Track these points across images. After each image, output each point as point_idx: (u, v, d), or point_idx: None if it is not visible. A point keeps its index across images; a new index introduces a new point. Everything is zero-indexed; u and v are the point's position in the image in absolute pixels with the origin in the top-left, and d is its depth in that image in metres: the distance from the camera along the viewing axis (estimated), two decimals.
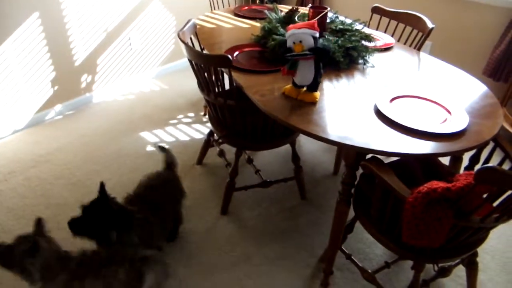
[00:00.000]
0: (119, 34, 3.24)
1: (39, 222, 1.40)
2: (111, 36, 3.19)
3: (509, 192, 1.14)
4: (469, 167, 1.64)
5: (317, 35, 1.48)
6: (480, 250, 1.90)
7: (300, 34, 1.45)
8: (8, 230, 2.02)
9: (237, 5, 2.86)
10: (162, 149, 1.92)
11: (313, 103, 1.55)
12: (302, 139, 2.83)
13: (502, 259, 1.96)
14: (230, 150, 2.61)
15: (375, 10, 2.51)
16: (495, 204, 1.26)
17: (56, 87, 2.98)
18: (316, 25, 1.47)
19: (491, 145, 1.49)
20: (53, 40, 2.83)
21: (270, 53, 1.91)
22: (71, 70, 3.03)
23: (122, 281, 1.34)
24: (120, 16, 3.18)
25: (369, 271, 1.61)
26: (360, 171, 1.43)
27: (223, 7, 3.10)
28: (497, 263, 1.94)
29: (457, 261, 1.59)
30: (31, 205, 2.18)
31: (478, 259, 1.59)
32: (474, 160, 1.63)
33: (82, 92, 3.18)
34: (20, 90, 2.77)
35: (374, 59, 1.97)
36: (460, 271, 1.84)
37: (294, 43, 1.47)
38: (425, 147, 1.31)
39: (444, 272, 1.63)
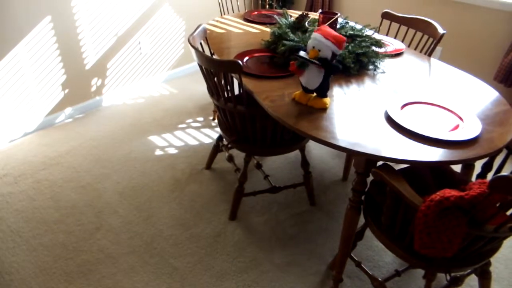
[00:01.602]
0: (129, 38, 3.26)
1: None
2: (122, 40, 3.21)
3: None
4: (482, 174, 1.61)
5: (338, 53, 1.48)
6: (492, 259, 1.87)
7: (323, 44, 1.45)
8: (17, 232, 2.03)
9: (247, 10, 2.87)
10: None
11: (323, 109, 1.54)
12: (311, 144, 2.82)
13: None
14: (239, 155, 2.61)
15: (385, 15, 2.50)
16: (509, 213, 1.24)
17: (66, 90, 3.00)
18: (343, 44, 1.47)
19: (504, 152, 1.47)
20: (64, 43, 2.85)
21: (280, 59, 1.90)
22: (82, 73, 3.05)
23: None
24: (131, 21, 3.20)
25: (379, 279, 1.59)
26: (371, 177, 1.42)
27: (233, 12, 3.11)
28: (511, 273, 1.90)
29: (469, 270, 1.57)
30: (40, 207, 2.19)
31: (491, 268, 1.56)
32: (486, 167, 1.61)
33: (92, 96, 3.20)
34: (31, 93, 2.79)
35: (384, 65, 1.96)
36: (472, 281, 1.81)
37: (313, 47, 1.47)
38: (437, 154, 1.29)
39: (456, 282, 1.60)
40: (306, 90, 1.56)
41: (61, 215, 2.15)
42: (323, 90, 1.53)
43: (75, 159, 2.60)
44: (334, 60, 1.49)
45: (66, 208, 2.20)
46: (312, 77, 1.51)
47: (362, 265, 1.69)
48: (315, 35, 1.48)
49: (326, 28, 1.51)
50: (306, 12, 2.31)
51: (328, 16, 1.95)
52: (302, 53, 1.51)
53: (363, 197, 1.54)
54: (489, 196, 1.08)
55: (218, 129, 2.98)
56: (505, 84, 2.81)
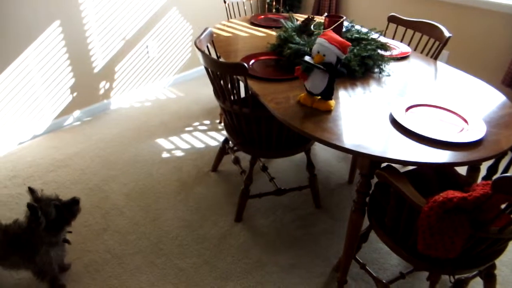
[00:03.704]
0: (137, 42, 3.30)
1: None
2: (129, 44, 3.25)
3: None
4: (487, 177, 1.61)
5: (343, 57, 1.49)
6: (498, 263, 1.86)
7: (328, 49, 1.46)
8: None
9: (253, 14, 2.89)
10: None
11: (328, 111, 1.55)
12: (317, 147, 2.83)
13: None
14: (245, 158, 2.62)
15: (391, 19, 2.50)
16: None
17: (75, 94, 3.04)
18: (348, 49, 1.49)
19: (509, 155, 1.46)
20: (73, 47, 2.89)
21: (285, 62, 1.92)
22: (90, 77, 3.09)
23: None
24: (138, 25, 3.24)
25: (384, 281, 1.59)
26: (375, 179, 1.42)
27: (240, 16, 3.13)
28: None
29: (474, 273, 1.56)
30: None
31: (496, 271, 1.56)
32: (492, 170, 1.60)
33: (100, 99, 3.24)
34: (40, 96, 2.84)
35: (390, 68, 1.97)
36: (477, 284, 1.80)
37: (318, 52, 1.48)
38: (441, 156, 1.29)
39: (461, 285, 1.60)
40: (310, 93, 1.58)
41: None
42: (327, 93, 1.54)
43: (83, 161, 2.64)
44: (339, 65, 1.50)
45: None
46: (316, 82, 1.52)
47: (367, 267, 1.70)
48: (320, 40, 1.49)
49: (331, 33, 1.52)
50: (312, 15, 2.32)
51: (334, 20, 1.96)
52: (307, 58, 1.52)
53: (367, 199, 1.54)
54: (492, 197, 1.09)
55: (224, 132, 3.00)
56: None
